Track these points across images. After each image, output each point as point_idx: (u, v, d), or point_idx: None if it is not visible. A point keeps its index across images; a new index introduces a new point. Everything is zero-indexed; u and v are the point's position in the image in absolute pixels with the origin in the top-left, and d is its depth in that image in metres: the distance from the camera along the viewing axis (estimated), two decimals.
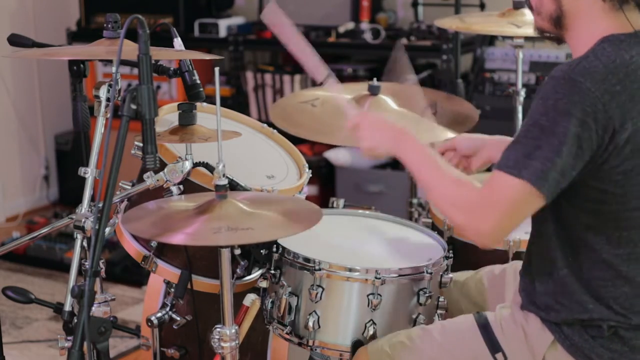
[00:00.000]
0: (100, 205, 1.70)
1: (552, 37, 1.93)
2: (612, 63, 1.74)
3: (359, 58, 4.74)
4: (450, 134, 2.46)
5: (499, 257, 2.47)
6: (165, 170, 2.15)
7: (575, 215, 1.82)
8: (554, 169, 1.71)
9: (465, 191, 1.82)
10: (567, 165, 1.72)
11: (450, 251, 2.19)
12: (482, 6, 4.21)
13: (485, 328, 1.96)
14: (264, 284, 2.18)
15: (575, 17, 1.84)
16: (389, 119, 2.04)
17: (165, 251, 2.29)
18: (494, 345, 1.94)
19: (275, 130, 2.63)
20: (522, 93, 3.21)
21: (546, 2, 1.87)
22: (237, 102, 4.68)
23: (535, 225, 1.94)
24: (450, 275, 2.18)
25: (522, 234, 2.39)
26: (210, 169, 2.18)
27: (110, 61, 2.35)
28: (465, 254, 2.48)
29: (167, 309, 2.42)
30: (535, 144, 1.73)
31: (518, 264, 2.09)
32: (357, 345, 2.06)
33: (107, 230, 2.12)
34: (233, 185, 2.14)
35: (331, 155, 4.48)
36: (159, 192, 2.19)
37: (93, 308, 2.05)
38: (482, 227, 1.78)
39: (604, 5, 1.81)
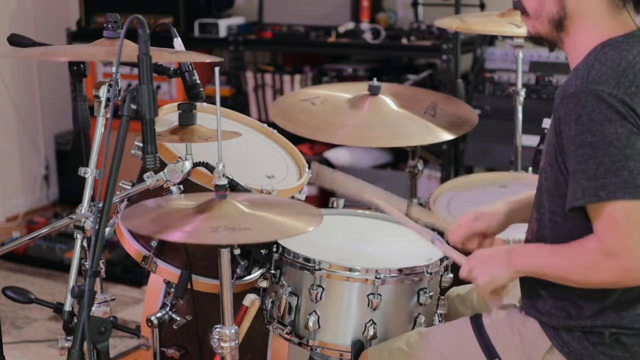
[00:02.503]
0: (100, 205, 1.70)
1: (547, 43, 1.91)
2: (618, 66, 1.73)
3: (359, 58, 4.74)
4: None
5: None
6: (165, 170, 2.15)
7: (577, 220, 1.81)
8: (632, 174, 1.65)
9: (586, 251, 1.72)
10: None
11: None
12: (482, 6, 4.20)
13: (480, 333, 1.96)
14: (264, 284, 2.18)
15: (578, 19, 1.82)
16: (490, 249, 1.94)
17: (165, 251, 2.29)
18: (490, 351, 1.93)
19: (275, 130, 2.63)
20: (522, 93, 3.21)
21: (548, 4, 1.84)
22: (237, 102, 4.68)
23: (534, 229, 1.93)
24: (450, 275, 2.17)
25: (522, 234, 2.38)
26: (210, 168, 2.18)
27: (111, 61, 2.35)
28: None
29: (167, 309, 2.43)
30: (594, 163, 1.67)
31: None
32: (357, 345, 2.06)
33: (107, 230, 2.12)
34: (233, 185, 2.14)
35: (331, 155, 4.48)
36: (159, 192, 2.19)
37: (93, 308, 2.05)
38: (628, 265, 1.67)
39: (608, 6, 1.80)
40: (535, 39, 1.92)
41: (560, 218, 1.83)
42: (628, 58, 1.75)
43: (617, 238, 1.67)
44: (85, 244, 2.09)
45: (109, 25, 2.14)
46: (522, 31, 2.83)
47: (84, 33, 4.91)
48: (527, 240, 1.99)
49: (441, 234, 2.37)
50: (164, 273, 2.31)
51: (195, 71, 2.23)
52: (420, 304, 2.11)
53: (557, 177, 1.80)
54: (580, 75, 1.74)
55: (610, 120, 1.68)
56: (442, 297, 2.18)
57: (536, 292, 1.90)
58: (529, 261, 1.84)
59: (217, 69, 1.91)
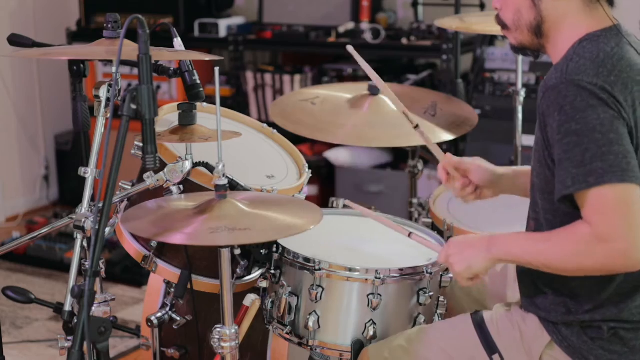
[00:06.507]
0: (100, 205, 1.70)
1: (531, 52, 1.93)
2: (597, 58, 1.75)
3: None
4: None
5: None
6: (165, 170, 2.15)
7: (567, 215, 1.81)
8: (618, 158, 1.67)
9: (576, 237, 1.71)
10: (625, 147, 1.68)
11: None
12: (482, 6, 4.20)
13: (481, 329, 1.96)
14: (264, 284, 2.18)
15: (555, 21, 1.85)
16: (469, 237, 1.92)
17: (165, 251, 2.29)
18: (490, 347, 1.94)
19: (275, 130, 2.63)
20: (522, 93, 3.21)
21: (525, 12, 1.87)
22: (237, 102, 4.68)
23: (532, 228, 1.94)
24: (450, 275, 2.17)
25: None
26: (210, 168, 2.18)
27: (110, 61, 2.35)
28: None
29: (167, 309, 2.43)
30: (581, 150, 1.69)
31: None
32: (357, 345, 2.06)
33: (107, 230, 2.12)
34: (233, 185, 2.14)
35: (331, 155, 4.48)
36: (159, 192, 2.19)
37: (93, 308, 2.05)
38: (621, 247, 1.67)
39: (583, 3, 1.82)
40: (519, 50, 1.95)
41: (550, 215, 1.84)
42: (606, 50, 1.77)
43: (609, 222, 1.68)
44: (85, 244, 2.09)
45: (109, 25, 2.14)
46: None
47: (84, 33, 4.91)
48: None
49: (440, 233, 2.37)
50: (164, 273, 2.31)
51: (195, 71, 2.23)
52: (420, 304, 2.11)
53: (546, 173, 1.81)
54: (560, 69, 1.77)
55: (592, 106, 1.69)
56: (442, 297, 2.18)
57: (536, 289, 1.91)
58: (509, 248, 1.83)
59: (217, 69, 1.91)
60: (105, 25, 2.15)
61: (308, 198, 2.37)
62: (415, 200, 3.16)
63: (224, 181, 1.95)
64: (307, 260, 2.09)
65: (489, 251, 1.84)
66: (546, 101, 1.76)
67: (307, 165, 2.50)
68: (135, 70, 1.75)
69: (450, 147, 3.99)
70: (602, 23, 1.83)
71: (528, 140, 3.43)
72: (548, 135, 1.76)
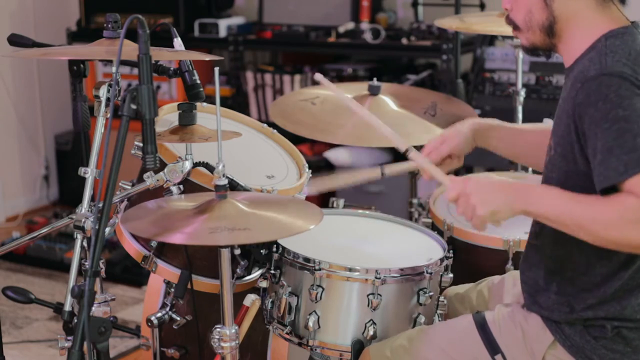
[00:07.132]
0: (100, 205, 1.70)
1: (543, 51, 1.92)
2: (630, 55, 1.75)
3: (359, 58, 4.74)
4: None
5: (499, 257, 2.47)
6: (165, 170, 2.15)
7: None
8: None
9: (623, 205, 1.65)
10: None
11: (450, 251, 2.19)
12: (482, 6, 4.21)
13: (483, 329, 1.96)
14: (264, 284, 2.18)
15: (567, 21, 1.84)
16: (491, 178, 1.86)
17: (165, 251, 2.29)
18: (492, 347, 1.94)
19: (275, 130, 2.63)
20: (522, 93, 3.22)
21: (536, 13, 1.86)
22: (237, 102, 4.68)
23: (539, 225, 1.93)
24: (450, 275, 2.18)
25: (522, 234, 2.38)
26: (210, 168, 2.18)
27: (110, 61, 2.35)
28: (465, 254, 2.48)
29: (167, 309, 2.43)
30: (631, 135, 1.65)
31: (516, 273, 2.08)
32: (357, 345, 2.06)
33: (107, 230, 2.12)
34: (233, 185, 2.14)
35: (331, 155, 4.48)
36: (159, 192, 2.19)
37: (93, 308, 2.05)
38: None
39: (595, 1, 1.82)
40: (530, 50, 1.94)
41: None
42: (635, 48, 1.77)
43: None
44: (85, 244, 2.09)
45: (109, 25, 2.14)
46: None
47: (84, 33, 4.92)
48: (528, 243, 1.99)
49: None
50: (164, 273, 2.31)
51: (195, 71, 2.23)
52: (420, 304, 2.11)
53: (569, 167, 1.79)
54: (597, 61, 1.75)
55: (638, 95, 1.68)
56: (442, 297, 2.18)
57: (539, 287, 1.90)
58: (548, 203, 1.74)
59: (217, 69, 1.91)
60: (105, 25, 2.15)
61: (308, 198, 2.37)
62: (415, 200, 3.16)
63: (224, 181, 1.95)
64: (307, 260, 2.09)
65: (518, 201, 1.76)
66: (585, 91, 1.73)
67: (307, 165, 2.50)
68: (135, 70, 1.75)
69: None
70: (618, 22, 1.83)
71: None
72: (585, 126, 1.73)
